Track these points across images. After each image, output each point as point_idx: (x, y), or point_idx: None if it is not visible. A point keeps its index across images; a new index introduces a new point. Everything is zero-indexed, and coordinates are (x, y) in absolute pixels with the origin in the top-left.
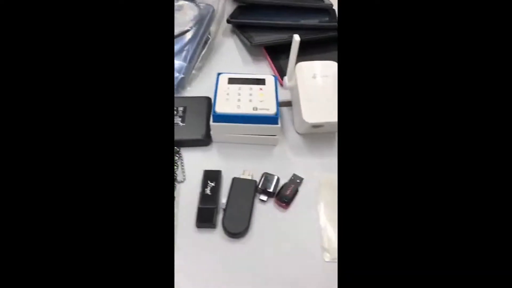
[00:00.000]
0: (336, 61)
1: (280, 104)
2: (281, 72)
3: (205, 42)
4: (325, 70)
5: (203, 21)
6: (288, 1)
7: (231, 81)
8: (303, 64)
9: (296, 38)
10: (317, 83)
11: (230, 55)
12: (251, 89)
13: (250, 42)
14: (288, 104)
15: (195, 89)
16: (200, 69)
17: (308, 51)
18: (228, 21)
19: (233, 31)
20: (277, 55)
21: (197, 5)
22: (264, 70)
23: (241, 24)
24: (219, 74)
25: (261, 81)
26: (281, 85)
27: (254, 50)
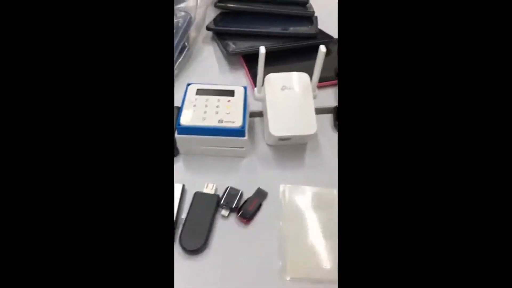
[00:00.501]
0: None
1: (252, 114)
2: (254, 78)
3: (181, 51)
4: (295, 82)
5: (179, 30)
6: (269, 8)
7: (200, 92)
8: (272, 76)
9: (262, 50)
10: (285, 95)
11: (208, 63)
12: (218, 100)
13: (227, 51)
14: (260, 114)
15: None
16: (175, 77)
17: (289, 59)
18: (207, 28)
19: (213, 38)
20: (254, 63)
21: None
22: (241, 79)
23: (220, 32)
24: (188, 84)
25: (230, 93)
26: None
27: (231, 58)
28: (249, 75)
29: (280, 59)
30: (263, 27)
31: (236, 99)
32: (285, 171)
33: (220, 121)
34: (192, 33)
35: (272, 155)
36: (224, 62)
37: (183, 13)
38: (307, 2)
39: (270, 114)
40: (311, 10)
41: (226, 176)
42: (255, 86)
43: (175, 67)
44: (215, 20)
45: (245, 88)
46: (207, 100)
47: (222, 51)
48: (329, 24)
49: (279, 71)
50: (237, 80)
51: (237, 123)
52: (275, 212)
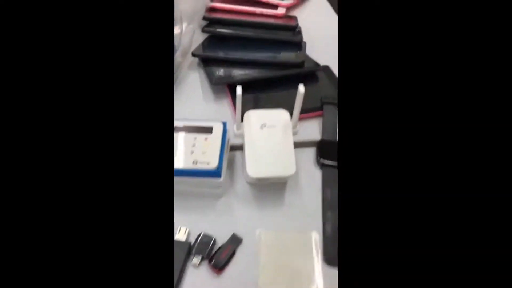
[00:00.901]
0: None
1: (233, 148)
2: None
3: None
4: (275, 120)
5: None
6: (257, 33)
7: (176, 129)
8: (251, 113)
9: (238, 91)
10: (264, 134)
11: (192, 91)
12: (195, 139)
13: (210, 80)
14: (241, 147)
15: None
16: None
17: (275, 87)
18: (193, 54)
19: (199, 65)
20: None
21: None
22: (225, 108)
23: (205, 58)
24: None
25: (208, 130)
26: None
27: (217, 86)
28: (232, 106)
29: (266, 87)
30: (250, 53)
31: (214, 137)
32: (263, 212)
33: (195, 162)
34: (178, 58)
35: (251, 193)
36: (209, 89)
37: None
38: (295, 27)
39: (248, 154)
40: (300, 36)
41: (200, 218)
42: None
43: None
44: (202, 45)
45: (224, 124)
46: (183, 139)
47: (207, 79)
48: (316, 50)
49: (265, 98)
50: (221, 109)
51: (213, 164)
52: (250, 260)
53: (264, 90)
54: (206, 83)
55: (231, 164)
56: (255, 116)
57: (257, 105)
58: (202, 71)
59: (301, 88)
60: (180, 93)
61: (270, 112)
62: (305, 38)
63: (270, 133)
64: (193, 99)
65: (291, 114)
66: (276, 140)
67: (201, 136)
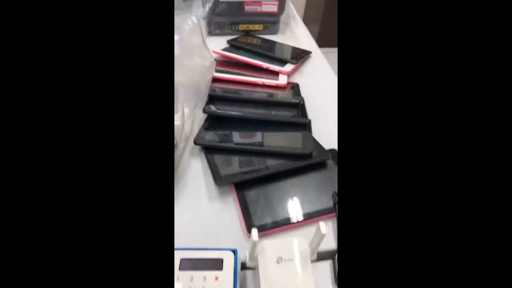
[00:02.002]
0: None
1: (243, 266)
2: (247, 217)
3: None
4: (292, 252)
5: None
6: (260, 115)
7: (184, 264)
8: (266, 245)
9: (255, 237)
10: (282, 270)
11: (195, 185)
12: (205, 278)
13: (215, 180)
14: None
15: None
16: None
17: (283, 177)
18: (195, 143)
19: (201, 150)
20: (245, 190)
21: None
22: (231, 209)
23: (208, 147)
24: None
25: (218, 264)
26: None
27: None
28: (240, 208)
29: (272, 178)
30: (255, 141)
31: (225, 272)
32: None
33: None
34: (182, 143)
35: None
36: (213, 184)
37: None
38: (299, 104)
39: None
40: (305, 117)
41: None
42: (246, 223)
43: None
44: (204, 127)
45: (235, 253)
46: (192, 279)
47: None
48: (317, 114)
49: (273, 189)
50: (227, 210)
51: None
52: None
53: (269, 182)
54: (209, 176)
55: (243, 285)
56: (270, 248)
57: (262, 197)
58: (204, 158)
59: (323, 228)
60: (182, 187)
61: (286, 242)
62: (306, 102)
63: (288, 268)
64: (197, 197)
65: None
66: (295, 276)
67: (211, 274)
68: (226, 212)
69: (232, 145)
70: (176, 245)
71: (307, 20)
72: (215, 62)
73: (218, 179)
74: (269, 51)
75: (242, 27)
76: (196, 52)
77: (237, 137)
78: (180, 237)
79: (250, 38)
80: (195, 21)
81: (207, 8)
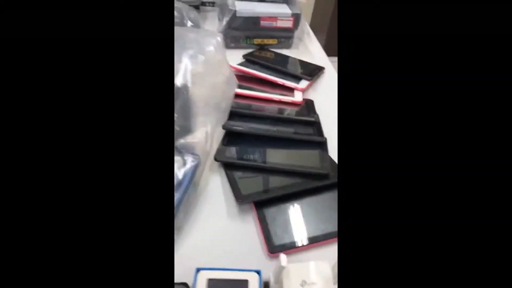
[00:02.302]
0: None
1: (265, 286)
2: (268, 237)
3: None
4: (316, 276)
5: (184, 180)
6: (278, 133)
7: (211, 285)
8: (291, 269)
9: (283, 262)
10: None
11: (215, 203)
12: None
13: (236, 198)
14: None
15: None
16: (179, 230)
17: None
18: (215, 159)
19: (220, 166)
20: (265, 208)
21: (182, 158)
22: (250, 225)
23: (228, 163)
24: (197, 270)
25: (243, 285)
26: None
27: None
28: (260, 227)
29: (292, 197)
30: (272, 157)
31: None
32: None
33: None
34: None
35: None
36: (232, 201)
37: (190, 158)
38: (315, 122)
39: None
40: (322, 136)
41: None
42: (267, 244)
43: (178, 210)
44: (222, 143)
45: (259, 274)
46: None
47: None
48: (331, 130)
49: (291, 208)
50: (247, 228)
51: None
52: None
53: (288, 200)
54: (227, 189)
55: None
56: (294, 272)
57: (281, 216)
58: (222, 173)
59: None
60: (202, 205)
61: (310, 266)
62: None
63: None
64: (217, 216)
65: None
66: None
67: None
68: (245, 229)
69: (252, 162)
70: (197, 264)
71: (314, 28)
72: (236, 80)
73: (240, 197)
74: (284, 67)
75: (257, 41)
76: (219, 69)
77: (256, 154)
78: (202, 255)
79: (264, 52)
80: (220, 40)
81: (224, 22)
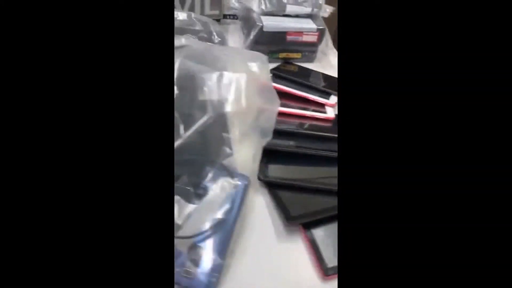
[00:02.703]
0: None
1: None
2: (320, 259)
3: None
4: None
5: (234, 202)
6: (317, 152)
7: None
8: None
9: None
10: None
11: (261, 224)
12: None
13: (286, 218)
14: None
15: None
16: (231, 251)
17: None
18: (259, 178)
19: (262, 184)
20: (312, 228)
21: (231, 178)
22: (300, 248)
23: (272, 183)
24: None
25: None
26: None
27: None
28: (311, 250)
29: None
30: (315, 174)
31: None
32: None
33: None
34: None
35: None
36: (279, 221)
37: (238, 183)
38: None
39: None
40: None
41: None
42: (320, 267)
43: (232, 235)
44: (262, 160)
45: None
46: None
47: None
48: None
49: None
50: (297, 253)
51: None
52: None
53: (334, 220)
54: (271, 209)
55: None
56: None
57: (329, 237)
58: (264, 192)
59: None
60: (250, 230)
61: None
62: None
63: None
64: (265, 239)
65: None
66: None
67: None
68: (294, 251)
69: (298, 182)
70: None
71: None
72: (279, 99)
73: (289, 218)
74: (310, 81)
75: (282, 55)
76: (262, 89)
77: (301, 174)
78: (254, 279)
79: (289, 65)
80: (265, 61)
81: (251, 37)
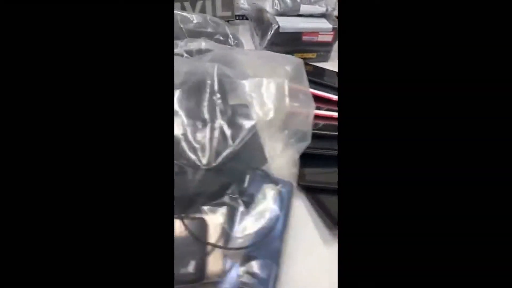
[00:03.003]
0: None
1: None
2: None
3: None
4: None
5: (281, 209)
6: None
7: None
8: None
9: None
10: None
11: (305, 230)
12: None
13: (333, 224)
14: None
15: None
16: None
17: None
18: (299, 184)
19: (302, 190)
20: None
21: (275, 185)
22: None
23: (311, 188)
24: None
25: None
26: None
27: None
28: None
29: None
30: None
31: None
32: None
33: None
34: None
35: None
36: (323, 227)
37: (282, 189)
38: None
39: None
40: None
41: None
42: None
43: (282, 245)
44: (300, 167)
45: None
46: None
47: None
48: None
49: None
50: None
51: None
52: None
53: None
54: (312, 213)
55: None
56: None
57: None
58: (305, 197)
59: None
60: (296, 237)
61: None
62: None
63: None
64: (312, 243)
65: None
66: None
67: None
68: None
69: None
70: None
71: None
72: (314, 102)
73: (336, 222)
74: (327, 81)
75: (297, 55)
76: (298, 92)
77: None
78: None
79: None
80: (301, 64)
81: (268, 37)
